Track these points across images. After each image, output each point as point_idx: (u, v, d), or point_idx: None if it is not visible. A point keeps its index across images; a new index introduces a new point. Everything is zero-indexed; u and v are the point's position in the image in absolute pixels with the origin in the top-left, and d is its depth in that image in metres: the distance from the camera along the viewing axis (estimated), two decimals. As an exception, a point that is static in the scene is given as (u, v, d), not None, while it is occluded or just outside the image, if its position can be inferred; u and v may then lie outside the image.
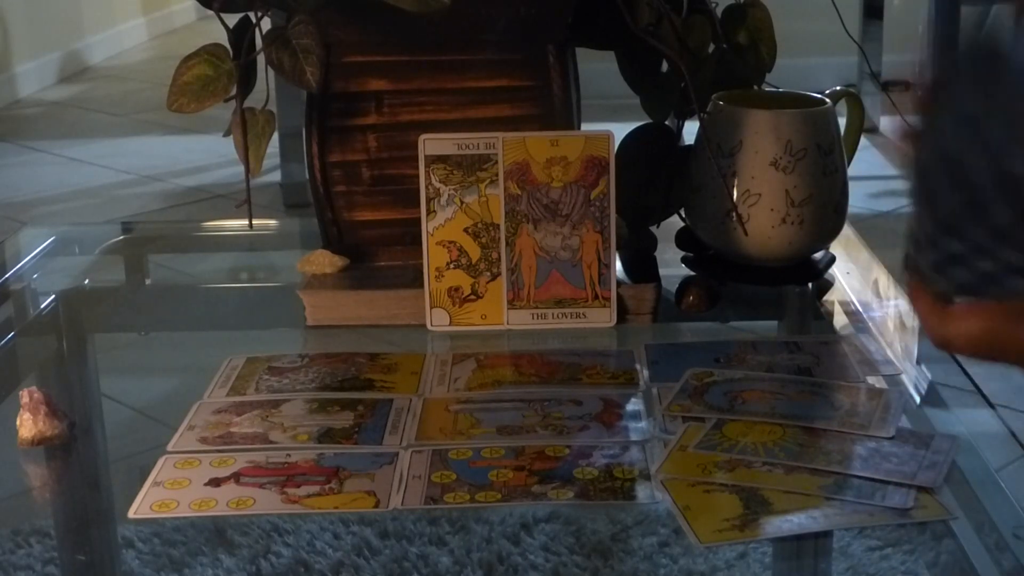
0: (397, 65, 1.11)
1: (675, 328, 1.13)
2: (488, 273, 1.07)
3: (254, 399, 0.98)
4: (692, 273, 1.15)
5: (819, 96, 1.13)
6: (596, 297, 1.07)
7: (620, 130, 1.11)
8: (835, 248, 1.17)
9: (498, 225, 1.06)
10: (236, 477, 0.86)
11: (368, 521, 1.53)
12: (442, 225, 1.07)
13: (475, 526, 1.55)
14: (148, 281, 1.36)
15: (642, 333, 1.08)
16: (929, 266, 0.72)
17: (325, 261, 1.13)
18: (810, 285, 1.16)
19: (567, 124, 1.12)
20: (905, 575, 1.46)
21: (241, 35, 1.05)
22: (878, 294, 1.18)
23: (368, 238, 1.15)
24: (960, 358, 1.01)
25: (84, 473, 0.97)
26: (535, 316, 1.07)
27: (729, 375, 0.98)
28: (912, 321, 1.12)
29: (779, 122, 1.09)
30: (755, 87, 1.17)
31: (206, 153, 3.97)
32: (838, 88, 1.16)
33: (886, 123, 3.85)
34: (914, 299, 0.74)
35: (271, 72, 1.05)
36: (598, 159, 1.05)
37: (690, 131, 1.15)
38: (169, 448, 0.90)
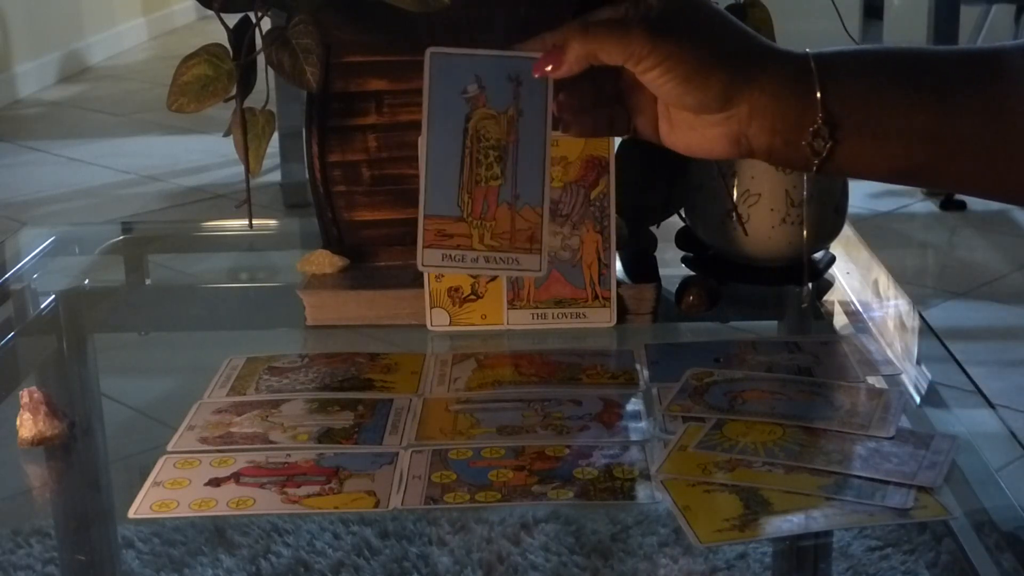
0: (397, 65, 1.11)
1: (675, 328, 1.13)
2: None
3: (254, 399, 0.98)
4: (692, 273, 1.15)
5: (819, 96, 1.13)
6: (596, 297, 1.07)
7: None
8: (835, 248, 1.17)
9: (498, 225, 1.06)
10: (236, 477, 0.86)
11: (368, 521, 1.53)
12: (442, 225, 1.07)
13: (475, 526, 1.55)
14: (148, 281, 1.36)
15: (642, 333, 1.08)
16: None
17: (325, 261, 1.13)
18: (810, 285, 1.16)
19: (567, 124, 1.12)
20: (905, 575, 1.46)
21: (241, 35, 1.05)
22: (878, 294, 1.18)
23: (368, 238, 1.15)
24: (960, 358, 1.01)
25: (84, 473, 0.97)
26: (535, 316, 1.07)
27: (729, 375, 0.98)
28: (912, 321, 1.12)
29: (779, 122, 1.09)
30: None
31: (206, 153, 3.98)
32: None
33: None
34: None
35: (271, 72, 1.05)
36: (598, 159, 1.05)
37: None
38: (169, 448, 0.90)
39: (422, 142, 0.83)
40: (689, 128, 0.82)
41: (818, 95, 0.78)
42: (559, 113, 0.84)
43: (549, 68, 0.81)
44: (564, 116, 0.84)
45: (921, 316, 1.10)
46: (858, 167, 0.81)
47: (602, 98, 0.84)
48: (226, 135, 1.07)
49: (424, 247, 0.83)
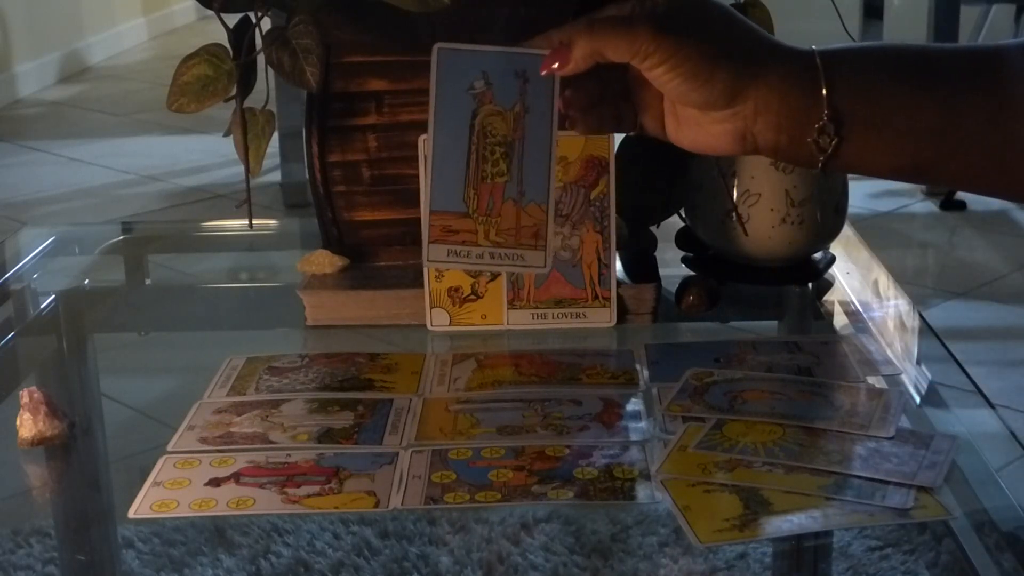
0: (397, 65, 1.11)
1: (675, 328, 1.13)
2: (488, 273, 1.07)
3: (254, 399, 0.98)
4: (692, 273, 1.15)
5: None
6: (596, 297, 1.07)
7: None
8: (835, 248, 1.17)
9: (498, 225, 1.06)
10: (236, 477, 0.86)
11: (368, 521, 1.53)
12: (442, 225, 1.06)
13: (475, 526, 1.55)
14: (148, 281, 1.36)
15: (642, 333, 1.08)
16: None
17: (325, 261, 1.13)
18: (810, 285, 1.16)
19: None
20: (905, 575, 1.46)
21: (241, 35, 1.05)
22: (878, 294, 1.18)
23: (368, 238, 1.15)
24: (960, 358, 1.01)
25: (84, 473, 0.97)
26: (535, 316, 1.07)
27: (729, 375, 0.98)
28: (912, 321, 1.12)
29: (779, 122, 1.08)
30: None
31: (206, 153, 3.98)
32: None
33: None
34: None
35: (271, 72, 1.05)
36: (598, 159, 1.05)
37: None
38: (169, 448, 0.90)
39: (428, 138, 0.83)
40: (695, 125, 0.82)
41: (824, 92, 0.78)
42: (565, 110, 0.84)
43: (556, 66, 0.81)
44: (570, 113, 0.84)
45: (921, 316, 1.10)
46: (863, 164, 0.81)
47: (608, 95, 0.84)
48: (226, 135, 1.07)
49: (430, 242, 0.83)
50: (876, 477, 0.83)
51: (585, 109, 0.84)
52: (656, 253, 1.16)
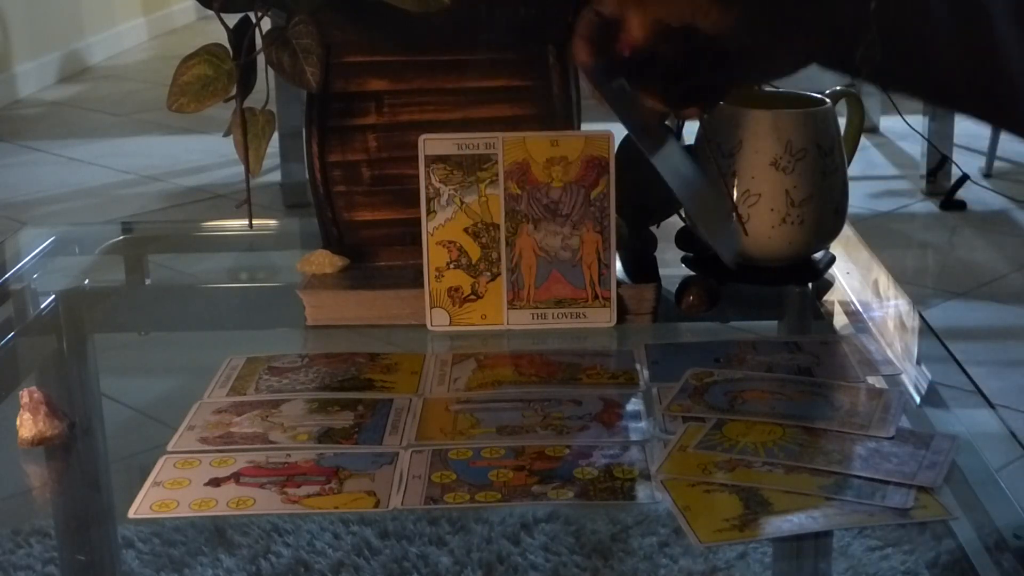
0: (397, 65, 1.11)
1: (675, 328, 1.13)
2: (488, 273, 1.07)
3: (254, 399, 0.98)
4: (692, 273, 1.15)
5: (819, 96, 1.13)
6: (596, 297, 1.07)
7: (620, 130, 1.11)
8: (835, 248, 1.17)
9: (498, 225, 1.06)
10: (236, 477, 0.86)
11: (368, 521, 1.53)
12: (442, 225, 1.07)
13: (475, 526, 1.55)
14: (148, 281, 1.36)
15: (642, 333, 1.08)
16: None
17: (325, 261, 1.13)
18: (810, 285, 1.16)
19: (567, 124, 1.12)
20: (905, 575, 1.46)
21: (241, 35, 1.05)
22: (878, 294, 1.18)
23: (368, 238, 1.15)
24: (960, 358, 1.01)
25: (84, 473, 0.97)
26: (535, 316, 1.07)
27: (729, 375, 0.98)
28: (912, 321, 1.12)
29: (779, 122, 1.09)
30: (755, 87, 1.17)
31: (206, 153, 3.97)
32: (838, 88, 1.16)
33: (886, 123, 3.85)
34: None
35: (271, 72, 1.05)
36: (598, 159, 1.05)
37: (690, 131, 1.15)
38: (169, 448, 0.90)
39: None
40: None
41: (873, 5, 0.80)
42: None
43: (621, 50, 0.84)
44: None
45: (921, 316, 1.10)
46: (900, 82, 0.84)
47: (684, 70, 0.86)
48: (226, 135, 1.07)
49: None
50: (876, 477, 0.83)
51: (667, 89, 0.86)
52: (656, 253, 1.16)
